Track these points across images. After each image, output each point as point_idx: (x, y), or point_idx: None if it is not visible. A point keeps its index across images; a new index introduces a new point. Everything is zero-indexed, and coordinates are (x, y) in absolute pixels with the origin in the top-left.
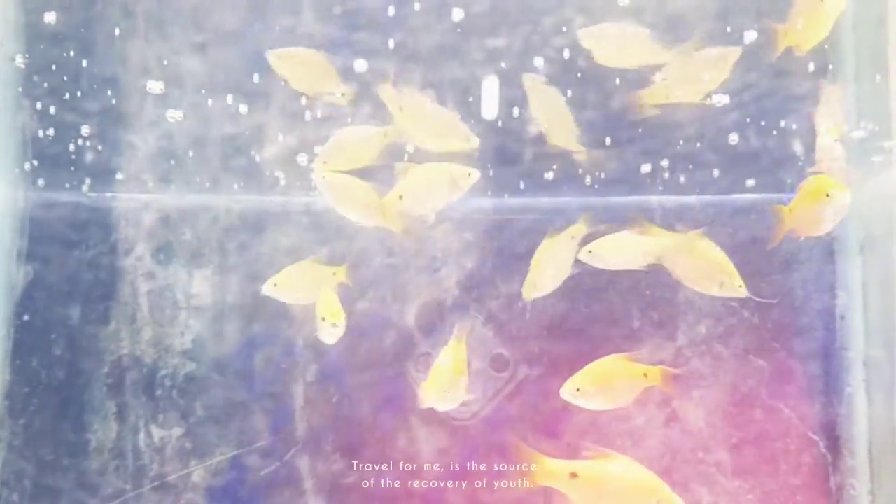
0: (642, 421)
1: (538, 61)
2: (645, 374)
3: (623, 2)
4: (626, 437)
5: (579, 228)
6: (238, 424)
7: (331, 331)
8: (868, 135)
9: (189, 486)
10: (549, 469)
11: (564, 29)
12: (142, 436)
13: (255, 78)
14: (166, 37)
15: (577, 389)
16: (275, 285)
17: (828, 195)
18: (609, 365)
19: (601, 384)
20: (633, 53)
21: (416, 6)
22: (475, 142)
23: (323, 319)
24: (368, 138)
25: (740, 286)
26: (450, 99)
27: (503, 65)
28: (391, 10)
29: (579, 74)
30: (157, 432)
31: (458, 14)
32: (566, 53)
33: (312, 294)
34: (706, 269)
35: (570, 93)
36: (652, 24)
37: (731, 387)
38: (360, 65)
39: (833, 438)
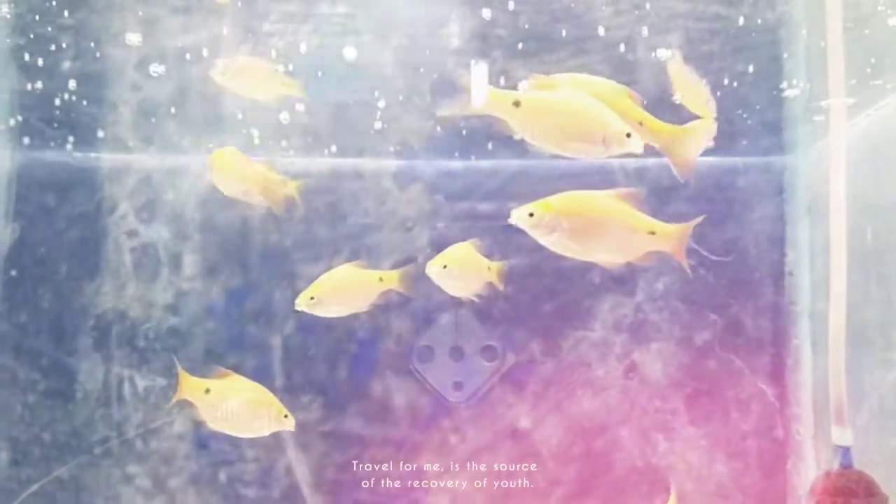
0: (603, 372)
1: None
2: (381, 279)
3: None
4: (587, 387)
5: None
6: None
7: None
8: (802, 94)
9: (172, 434)
10: (495, 98)
11: None
12: (126, 386)
13: None
14: None
15: (312, 298)
16: None
17: None
18: (342, 273)
19: (336, 292)
20: None
21: None
22: None
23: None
24: None
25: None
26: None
27: None
28: None
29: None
30: (141, 382)
31: None
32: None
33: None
34: None
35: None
36: None
37: (687, 340)
38: None
39: (781, 388)
